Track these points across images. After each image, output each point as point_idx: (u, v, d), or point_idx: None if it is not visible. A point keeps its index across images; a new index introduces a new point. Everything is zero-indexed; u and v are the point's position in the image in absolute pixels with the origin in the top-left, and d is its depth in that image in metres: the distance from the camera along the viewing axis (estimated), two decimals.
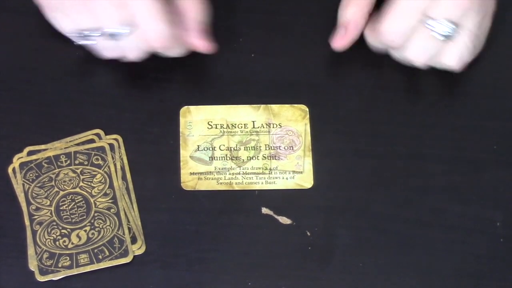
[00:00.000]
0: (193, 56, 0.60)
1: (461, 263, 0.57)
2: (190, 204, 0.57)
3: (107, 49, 0.58)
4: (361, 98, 0.61)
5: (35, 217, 0.56)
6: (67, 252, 0.55)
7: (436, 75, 0.61)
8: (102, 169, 0.57)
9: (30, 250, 0.55)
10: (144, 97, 0.60)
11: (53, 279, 0.55)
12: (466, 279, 0.57)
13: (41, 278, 0.55)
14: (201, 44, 0.58)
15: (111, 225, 0.56)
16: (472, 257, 0.57)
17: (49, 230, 0.56)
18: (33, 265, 0.55)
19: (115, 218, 0.56)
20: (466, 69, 0.61)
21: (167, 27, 0.55)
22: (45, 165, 0.57)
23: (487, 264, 0.57)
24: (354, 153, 0.59)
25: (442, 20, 0.57)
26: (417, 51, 0.58)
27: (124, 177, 0.58)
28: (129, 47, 0.57)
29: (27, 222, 0.56)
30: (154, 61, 0.60)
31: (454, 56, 0.58)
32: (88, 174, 0.57)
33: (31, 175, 0.57)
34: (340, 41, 0.59)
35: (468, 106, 0.61)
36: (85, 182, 0.57)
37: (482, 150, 0.60)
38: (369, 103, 0.61)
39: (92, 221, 0.56)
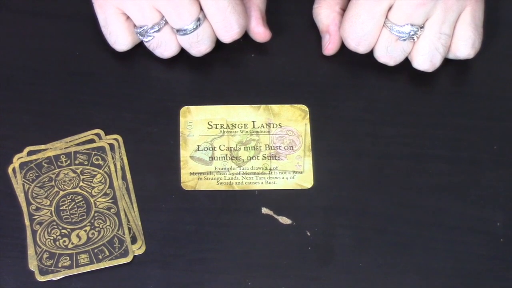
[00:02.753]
0: (193, 56, 0.60)
1: (461, 263, 0.57)
2: (190, 204, 0.57)
3: (168, 46, 0.59)
4: (361, 98, 0.61)
5: (35, 217, 0.56)
6: (67, 252, 0.55)
7: (436, 75, 0.61)
8: (102, 169, 0.57)
9: (30, 250, 0.55)
10: (144, 97, 0.60)
11: (53, 279, 0.55)
12: (466, 279, 0.57)
13: (41, 278, 0.55)
14: (264, 32, 0.60)
15: (111, 225, 0.56)
16: (472, 257, 0.57)
17: (49, 230, 0.56)
18: (33, 265, 0.55)
19: (115, 218, 0.56)
20: (465, 69, 0.61)
21: (240, 19, 0.57)
22: (45, 165, 0.57)
23: (487, 264, 0.57)
24: (354, 153, 0.59)
25: (399, 20, 0.57)
26: (382, 53, 0.59)
27: (124, 177, 0.58)
28: (196, 41, 0.58)
29: (27, 222, 0.56)
30: (154, 61, 0.60)
31: (424, 57, 0.58)
32: (88, 174, 0.57)
33: (31, 175, 0.57)
34: (329, 46, 0.61)
35: (468, 106, 0.61)
36: (85, 182, 0.57)
37: (482, 150, 0.60)
38: (369, 103, 0.61)
39: (92, 221, 0.56)
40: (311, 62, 0.62)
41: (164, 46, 0.59)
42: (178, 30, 0.57)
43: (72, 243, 0.56)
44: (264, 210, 0.58)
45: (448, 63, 0.61)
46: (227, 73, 0.61)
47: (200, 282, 0.56)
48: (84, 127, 0.59)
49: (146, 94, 0.60)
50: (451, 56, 0.60)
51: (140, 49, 0.60)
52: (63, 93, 0.60)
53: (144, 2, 0.56)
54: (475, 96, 0.61)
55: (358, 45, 0.59)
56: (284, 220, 0.57)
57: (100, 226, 0.56)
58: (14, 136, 0.59)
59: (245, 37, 0.61)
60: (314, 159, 0.59)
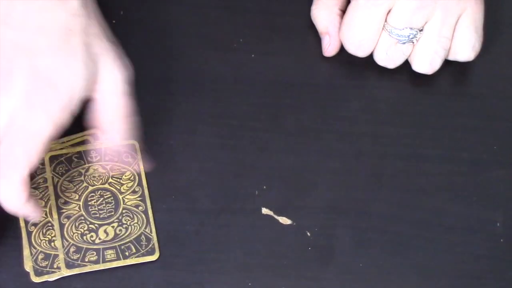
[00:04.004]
0: (193, 56, 0.60)
1: (461, 263, 0.57)
2: (190, 204, 0.57)
3: None
4: (361, 98, 0.61)
5: (64, 210, 0.56)
6: (94, 247, 0.55)
7: (436, 75, 0.61)
8: (132, 166, 0.57)
9: (58, 243, 0.55)
10: (145, 99, 0.60)
11: (79, 272, 0.55)
12: (466, 279, 0.57)
13: (67, 272, 0.55)
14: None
15: (139, 223, 0.56)
16: (472, 257, 0.57)
17: (77, 224, 0.56)
18: (60, 258, 0.55)
19: (143, 215, 0.56)
20: (464, 69, 0.61)
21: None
22: (75, 159, 0.57)
23: (487, 264, 0.57)
24: (354, 153, 0.59)
25: (398, 24, 0.57)
26: (382, 57, 0.59)
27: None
28: None
29: (55, 216, 0.56)
30: (153, 61, 0.60)
31: (423, 60, 0.58)
32: (118, 171, 0.57)
33: (60, 168, 0.57)
34: (329, 48, 0.61)
35: (468, 106, 0.61)
36: (114, 178, 0.57)
37: (482, 150, 0.60)
38: (369, 103, 0.61)
39: (120, 217, 0.56)
40: (311, 62, 0.62)
41: None
42: None
43: (100, 239, 0.56)
44: (264, 210, 0.58)
45: (448, 64, 0.61)
46: (227, 73, 0.61)
47: (200, 282, 0.56)
48: (84, 127, 0.59)
49: (147, 96, 0.60)
50: (451, 58, 0.60)
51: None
52: None
53: None
54: (475, 96, 0.61)
55: (358, 49, 0.59)
56: (284, 220, 0.57)
57: (128, 223, 0.56)
58: None
59: (245, 37, 0.61)
60: (314, 159, 0.59)
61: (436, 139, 0.60)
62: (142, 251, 0.55)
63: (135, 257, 0.55)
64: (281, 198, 0.58)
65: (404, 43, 0.58)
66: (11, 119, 0.49)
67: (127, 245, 0.55)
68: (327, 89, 0.61)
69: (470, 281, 0.57)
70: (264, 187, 0.58)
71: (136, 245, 0.55)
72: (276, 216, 0.58)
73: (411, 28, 0.57)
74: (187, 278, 0.56)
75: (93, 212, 0.56)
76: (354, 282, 0.56)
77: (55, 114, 0.49)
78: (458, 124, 0.60)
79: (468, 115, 0.61)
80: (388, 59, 0.59)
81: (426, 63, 0.59)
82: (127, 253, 0.55)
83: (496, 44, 0.63)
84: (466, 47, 0.59)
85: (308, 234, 0.57)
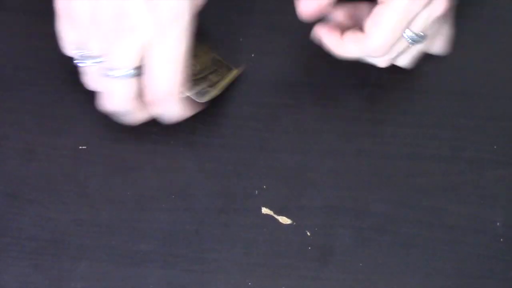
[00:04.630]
0: None
1: (461, 263, 0.57)
2: (190, 204, 0.57)
3: (95, 80, 0.56)
4: (361, 98, 0.61)
5: None
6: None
7: (436, 75, 0.61)
8: None
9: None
10: None
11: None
12: (466, 279, 0.57)
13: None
14: None
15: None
16: (472, 257, 0.57)
17: None
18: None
19: None
20: (465, 69, 0.61)
21: (178, 80, 0.54)
22: None
23: (487, 264, 0.57)
24: (354, 153, 0.59)
25: (417, 30, 0.57)
26: (391, 57, 0.59)
27: None
28: (118, 89, 0.54)
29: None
30: None
31: (409, 57, 0.59)
32: None
33: None
34: (307, 3, 0.57)
35: (468, 106, 0.61)
36: None
37: (482, 150, 0.60)
38: (369, 103, 0.61)
39: None
40: (311, 62, 0.62)
41: (89, 78, 0.56)
42: (109, 69, 0.54)
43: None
44: (264, 210, 0.58)
45: (448, 64, 0.61)
46: None
47: (200, 282, 0.56)
48: (84, 127, 0.59)
49: None
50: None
51: None
52: (63, 93, 0.60)
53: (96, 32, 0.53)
54: (475, 96, 0.61)
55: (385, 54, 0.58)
56: (284, 220, 0.57)
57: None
58: (14, 136, 0.59)
59: (245, 37, 0.61)
60: (314, 159, 0.59)
61: (436, 139, 0.60)
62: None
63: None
64: (281, 197, 0.58)
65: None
66: (145, 50, 0.52)
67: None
68: (327, 89, 0.61)
69: (470, 281, 0.57)
70: (264, 186, 0.58)
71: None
72: (276, 216, 0.58)
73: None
74: (187, 278, 0.56)
75: None
76: (354, 282, 0.56)
77: (181, 28, 0.53)
78: (458, 124, 0.60)
79: (468, 115, 0.61)
80: (389, 61, 0.59)
81: (407, 59, 0.59)
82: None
83: (496, 44, 0.63)
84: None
85: (308, 233, 0.57)
